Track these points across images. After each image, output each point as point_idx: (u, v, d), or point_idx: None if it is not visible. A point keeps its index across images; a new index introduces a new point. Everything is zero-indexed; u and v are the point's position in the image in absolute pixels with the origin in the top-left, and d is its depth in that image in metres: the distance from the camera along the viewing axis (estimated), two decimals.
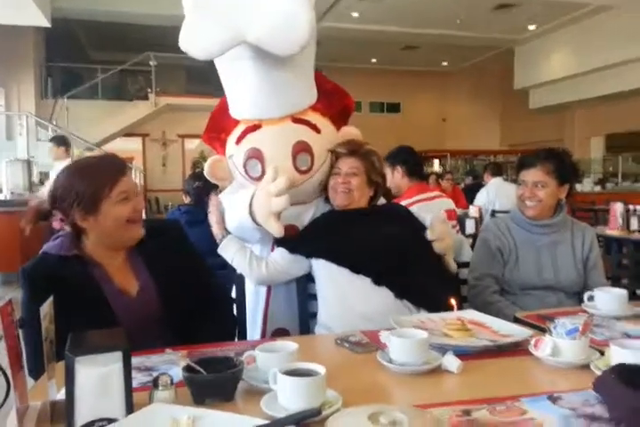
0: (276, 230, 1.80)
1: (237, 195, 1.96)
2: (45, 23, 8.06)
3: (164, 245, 1.52)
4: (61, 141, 6.10)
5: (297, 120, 1.93)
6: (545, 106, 12.24)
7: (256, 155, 1.91)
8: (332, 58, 14.06)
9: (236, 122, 2.00)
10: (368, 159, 1.94)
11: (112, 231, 1.43)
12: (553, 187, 1.98)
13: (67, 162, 6.25)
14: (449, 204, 3.21)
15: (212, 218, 1.99)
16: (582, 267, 2.01)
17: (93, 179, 1.40)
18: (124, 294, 1.46)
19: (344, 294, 1.79)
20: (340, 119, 2.09)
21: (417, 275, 1.78)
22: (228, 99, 2.01)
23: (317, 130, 1.96)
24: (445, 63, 15.38)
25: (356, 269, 1.78)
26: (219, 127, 2.07)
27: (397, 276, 1.76)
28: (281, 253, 1.91)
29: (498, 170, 6.28)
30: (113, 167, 1.44)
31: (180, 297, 1.48)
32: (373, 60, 14.92)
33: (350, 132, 2.08)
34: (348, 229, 1.86)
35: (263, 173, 1.89)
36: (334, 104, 2.08)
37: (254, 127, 1.93)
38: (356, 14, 10.28)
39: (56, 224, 1.45)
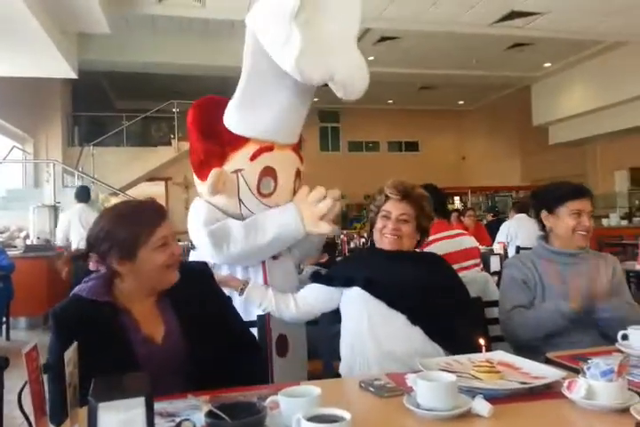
0: (329, 229, 2.09)
1: (264, 215, 2.10)
2: (73, 75, 8.39)
3: (192, 288, 1.52)
4: (77, 194, 6.45)
5: (294, 150, 2.23)
6: (565, 141, 12.21)
7: (271, 173, 2.10)
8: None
9: (243, 139, 2.08)
10: (419, 204, 1.89)
11: (149, 276, 1.43)
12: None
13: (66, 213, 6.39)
14: (471, 241, 3.18)
15: (223, 276, 2.01)
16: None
17: (132, 225, 1.40)
18: (150, 341, 1.44)
19: (374, 329, 1.74)
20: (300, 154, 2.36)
21: (452, 320, 1.73)
22: (241, 115, 2.08)
23: (302, 161, 2.28)
24: (462, 102, 15.56)
25: (392, 303, 1.75)
26: (222, 141, 2.10)
27: (432, 318, 1.72)
28: (311, 289, 1.90)
29: (524, 207, 6.33)
30: (152, 213, 1.45)
31: (207, 342, 1.46)
32: (390, 101, 15.15)
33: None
34: (389, 265, 1.84)
35: (274, 189, 2.11)
36: (297, 147, 2.33)
37: (268, 148, 2.09)
38: (371, 58, 10.51)
39: (92, 266, 1.46)
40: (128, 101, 13.80)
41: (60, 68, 7.84)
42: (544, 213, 2.08)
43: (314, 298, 1.90)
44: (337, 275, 1.90)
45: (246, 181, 2.08)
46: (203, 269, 1.66)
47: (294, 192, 2.20)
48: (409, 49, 9.93)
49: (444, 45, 9.72)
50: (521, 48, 10.03)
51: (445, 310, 1.74)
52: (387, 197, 1.90)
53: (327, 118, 16.32)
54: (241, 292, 1.94)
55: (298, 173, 2.22)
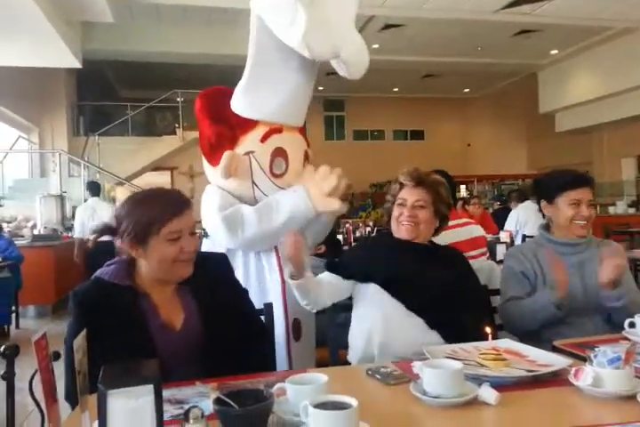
0: (337, 205, 2.12)
1: (275, 198, 2.11)
2: (77, 64, 8.38)
3: (211, 278, 1.52)
4: (89, 187, 7.03)
5: (302, 132, 2.28)
6: (572, 129, 12.12)
7: (282, 154, 2.13)
8: (354, 88, 14.26)
9: (252, 122, 2.11)
10: (435, 190, 1.86)
11: (158, 267, 1.43)
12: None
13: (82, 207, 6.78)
14: (478, 230, 3.16)
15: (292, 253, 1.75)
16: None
17: (147, 213, 1.40)
18: (168, 327, 1.45)
19: (387, 329, 1.71)
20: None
21: (469, 324, 1.70)
22: (250, 98, 2.11)
23: (309, 144, 2.32)
24: (467, 90, 15.45)
25: (411, 306, 1.71)
26: (231, 124, 2.12)
27: (452, 323, 1.68)
28: (326, 279, 1.86)
29: (523, 195, 6.27)
30: (171, 204, 1.42)
31: (224, 330, 1.47)
32: (395, 89, 15.07)
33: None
34: (408, 263, 1.79)
35: (286, 170, 2.14)
36: (303, 130, 2.38)
37: (278, 130, 2.13)
38: (376, 46, 10.43)
39: (119, 243, 1.46)
40: (132, 91, 13.77)
41: (65, 57, 7.83)
42: (543, 203, 2.06)
43: (329, 289, 1.84)
44: (353, 267, 1.85)
45: (259, 163, 2.10)
46: (220, 259, 1.67)
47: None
48: (413, 36, 9.85)
49: (449, 32, 9.63)
50: (527, 35, 9.91)
51: (464, 313, 1.71)
52: (401, 185, 1.89)
53: (332, 107, 16.26)
54: (295, 277, 1.78)
55: (306, 156, 2.25)
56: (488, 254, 3.21)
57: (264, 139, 2.11)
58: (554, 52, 11.13)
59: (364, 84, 13.67)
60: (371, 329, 1.74)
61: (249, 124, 2.12)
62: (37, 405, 1.31)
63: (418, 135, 16.80)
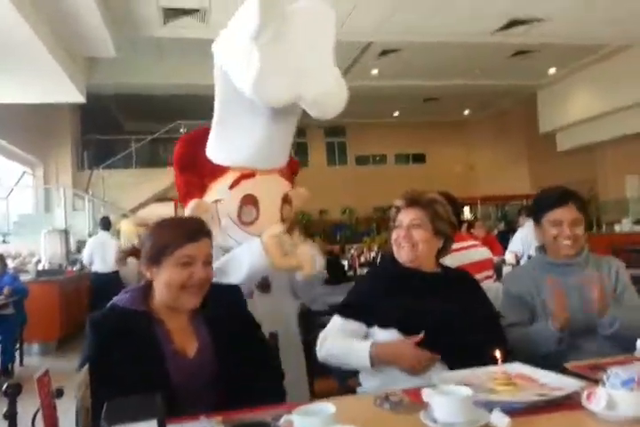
0: (293, 264, 2.02)
1: (237, 252, 2.04)
2: (81, 99, 8.50)
3: (224, 308, 1.54)
4: (100, 222, 7.41)
5: (282, 174, 2.18)
6: (574, 147, 12.15)
7: (251, 201, 2.06)
8: (354, 114, 14.36)
9: (222, 168, 2.08)
10: (431, 208, 1.81)
11: (165, 292, 1.46)
12: (583, 224, 1.94)
13: (92, 239, 7.15)
14: (484, 253, 3.13)
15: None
16: (614, 301, 1.91)
17: (164, 235, 1.47)
18: (182, 355, 1.46)
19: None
20: (292, 178, 2.34)
21: (479, 352, 1.62)
22: (219, 145, 2.09)
23: (292, 185, 2.23)
24: (467, 112, 15.58)
25: (430, 346, 1.62)
26: (201, 172, 2.11)
27: (471, 358, 1.57)
28: (343, 326, 1.75)
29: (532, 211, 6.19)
30: (186, 231, 1.47)
31: (236, 361, 1.48)
32: (395, 114, 15.22)
33: (301, 191, 2.30)
34: (423, 296, 1.72)
35: (257, 217, 2.06)
36: (291, 165, 2.31)
37: (249, 175, 2.06)
38: (375, 71, 10.59)
39: (139, 267, 1.52)
40: (136, 123, 13.96)
41: (69, 92, 7.94)
42: (534, 224, 2.04)
43: (347, 335, 1.73)
44: (365, 309, 1.74)
45: (228, 210, 2.06)
46: (234, 291, 1.67)
47: (282, 219, 2.14)
48: (411, 60, 9.98)
49: (447, 55, 9.75)
50: (525, 55, 10.03)
51: (477, 349, 1.59)
52: (397, 209, 1.86)
53: (333, 133, 16.41)
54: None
55: (285, 199, 2.16)
56: (495, 277, 3.18)
57: (233, 186, 2.07)
58: (552, 71, 11.23)
59: (365, 110, 13.81)
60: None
61: (219, 172, 2.09)
62: None
63: (420, 159, 16.90)
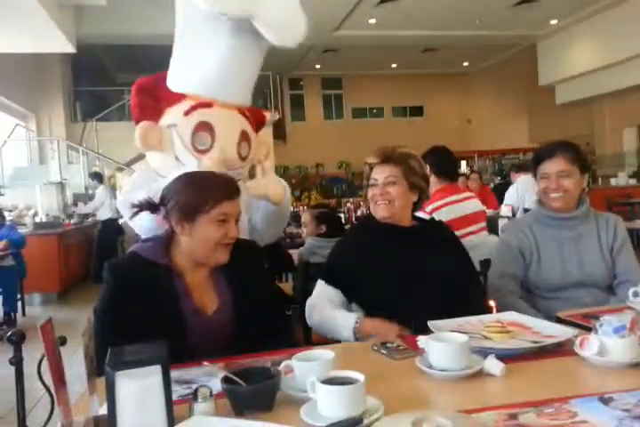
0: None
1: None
2: (72, 50, 8.27)
3: (245, 264, 1.54)
4: (95, 176, 7.92)
5: (242, 113, 2.11)
6: (573, 100, 12.00)
7: (206, 129, 1.98)
8: (351, 65, 14.11)
9: (180, 95, 2.03)
10: (405, 163, 1.80)
11: (200, 248, 1.45)
12: (577, 176, 1.93)
13: (99, 189, 7.63)
14: (477, 205, 3.17)
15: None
16: (610, 258, 1.94)
17: (200, 191, 1.44)
18: (201, 311, 1.46)
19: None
20: (255, 129, 2.22)
21: (469, 298, 1.69)
22: (177, 71, 2.06)
23: (254, 128, 2.15)
24: (466, 63, 15.27)
25: (412, 293, 1.67)
26: (158, 96, 2.05)
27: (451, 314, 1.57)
28: (330, 292, 1.78)
29: (522, 168, 6.28)
30: (223, 188, 1.46)
31: (254, 317, 1.49)
32: (394, 65, 14.90)
33: (262, 140, 2.22)
34: (403, 254, 1.74)
35: (211, 146, 1.98)
36: (258, 114, 2.26)
37: (207, 104, 2.01)
38: (373, 21, 10.29)
39: (159, 220, 1.50)
40: (129, 75, 13.58)
41: (59, 42, 7.72)
42: (533, 178, 2.05)
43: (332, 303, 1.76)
44: (345, 276, 1.76)
45: (181, 136, 1.99)
46: (255, 247, 1.67)
47: (239, 156, 2.05)
48: (411, 10, 9.70)
49: (447, 5, 9.48)
50: (527, 5, 9.75)
51: (450, 310, 1.60)
52: (370, 166, 1.84)
53: (330, 85, 16.12)
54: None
55: (244, 136, 2.07)
56: (487, 230, 3.22)
57: (188, 112, 1.99)
58: (553, 22, 10.96)
59: (362, 61, 13.54)
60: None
61: (176, 97, 2.03)
62: (47, 389, 1.33)
63: (417, 112, 16.68)
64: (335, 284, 1.78)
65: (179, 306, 1.43)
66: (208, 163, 1.92)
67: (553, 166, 1.93)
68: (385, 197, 1.78)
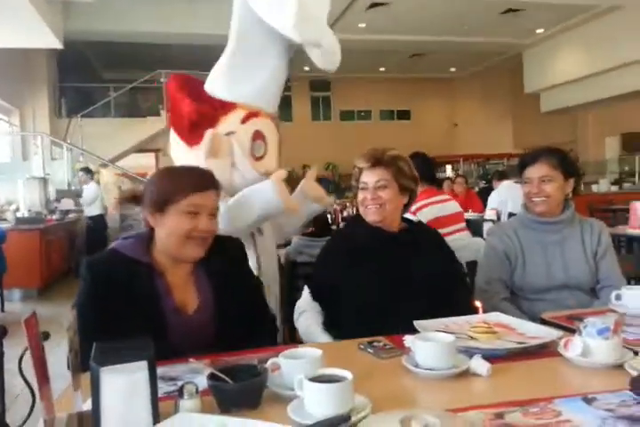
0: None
1: (246, 194, 2.02)
2: (58, 45, 8.20)
3: (227, 262, 1.52)
4: (87, 171, 7.89)
5: (273, 120, 2.26)
6: (557, 108, 12.16)
7: (262, 137, 2.13)
8: (340, 68, 14.06)
9: (232, 103, 2.10)
10: (395, 166, 1.79)
11: (170, 241, 1.42)
12: (560, 181, 1.94)
13: (91, 185, 7.58)
14: (456, 206, 3.31)
15: None
16: (594, 262, 1.97)
17: (172, 182, 1.44)
18: (181, 311, 1.44)
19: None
20: None
21: (454, 299, 1.68)
22: (228, 80, 2.11)
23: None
24: (453, 69, 15.40)
25: (400, 297, 1.67)
26: (212, 103, 2.10)
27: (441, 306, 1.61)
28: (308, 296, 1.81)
29: (504, 175, 6.58)
30: (195, 180, 1.44)
31: (237, 316, 1.47)
32: (382, 69, 14.98)
33: None
34: (393, 259, 1.74)
35: (265, 154, 2.14)
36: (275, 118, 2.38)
37: (256, 114, 2.12)
38: (362, 25, 10.33)
39: (142, 215, 1.50)
40: (114, 72, 13.53)
41: (45, 38, 7.67)
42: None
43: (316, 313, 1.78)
44: (328, 290, 1.75)
45: (241, 143, 2.08)
46: (237, 244, 1.64)
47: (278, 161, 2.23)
48: (400, 15, 9.76)
49: (436, 11, 9.55)
50: (514, 13, 9.86)
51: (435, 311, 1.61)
52: (360, 169, 1.82)
53: (318, 87, 16.14)
54: None
55: (280, 144, 2.26)
56: (467, 231, 3.33)
57: (245, 120, 2.08)
58: (539, 31, 11.11)
59: (351, 64, 13.52)
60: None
61: (229, 106, 2.09)
62: (28, 385, 1.30)
63: (404, 115, 16.77)
64: (319, 299, 1.78)
65: (159, 305, 1.40)
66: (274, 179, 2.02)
67: (535, 171, 1.95)
68: (376, 201, 1.76)
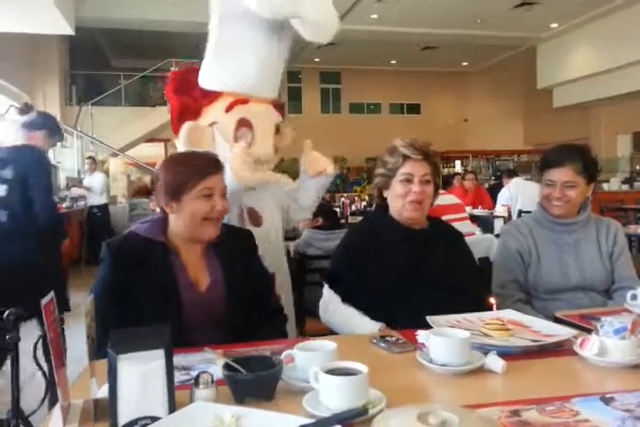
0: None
1: None
2: (70, 31, 8.18)
3: (239, 249, 1.59)
4: (93, 160, 8.11)
5: (276, 106, 2.20)
6: (570, 104, 12.05)
7: (247, 125, 2.07)
8: (351, 60, 14.06)
9: (216, 93, 2.09)
10: (435, 162, 1.74)
11: (188, 224, 1.49)
12: (582, 186, 1.91)
13: (97, 174, 7.81)
14: (454, 199, 3.51)
15: None
16: (610, 263, 1.95)
17: (182, 170, 1.49)
18: (195, 287, 1.50)
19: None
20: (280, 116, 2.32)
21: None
22: (212, 70, 2.11)
23: (283, 119, 2.25)
24: (465, 63, 15.28)
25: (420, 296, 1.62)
26: (195, 95, 2.10)
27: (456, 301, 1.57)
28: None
29: (514, 173, 6.80)
30: (204, 164, 1.50)
31: (245, 299, 1.53)
32: (393, 62, 14.88)
33: (287, 131, 2.30)
34: (412, 254, 1.70)
35: (252, 141, 2.06)
36: (281, 104, 2.33)
37: (243, 101, 2.07)
38: (374, 16, 10.25)
39: (152, 205, 1.58)
40: (125, 60, 13.52)
41: (57, 23, 7.64)
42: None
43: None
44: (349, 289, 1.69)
45: (224, 133, 2.06)
46: (248, 235, 1.69)
47: (275, 149, 2.16)
48: (412, 7, 9.68)
49: (449, 3, 9.47)
50: (528, 7, 9.76)
51: (470, 291, 1.66)
52: (405, 158, 1.71)
53: (328, 79, 16.07)
54: None
55: (277, 129, 2.18)
56: (470, 221, 3.61)
57: (228, 109, 2.06)
58: (554, 25, 10.99)
59: (362, 56, 13.50)
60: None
61: (213, 96, 2.09)
62: (42, 371, 1.32)
63: (414, 109, 16.68)
64: (339, 291, 1.71)
65: (174, 280, 1.48)
66: (236, 150, 1.99)
67: (560, 176, 1.90)
68: (421, 197, 1.69)
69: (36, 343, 1.25)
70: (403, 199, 1.72)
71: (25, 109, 3.03)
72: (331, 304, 1.71)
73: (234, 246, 1.58)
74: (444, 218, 2.21)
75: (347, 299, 1.68)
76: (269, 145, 2.13)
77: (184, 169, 1.49)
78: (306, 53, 13.05)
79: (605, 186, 9.74)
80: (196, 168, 1.48)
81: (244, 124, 2.06)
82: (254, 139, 2.08)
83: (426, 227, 1.80)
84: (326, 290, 1.77)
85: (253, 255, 1.68)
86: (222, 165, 1.54)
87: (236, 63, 2.07)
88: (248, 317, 1.51)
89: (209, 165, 1.51)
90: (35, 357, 1.24)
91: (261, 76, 2.10)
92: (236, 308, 1.51)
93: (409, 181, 1.71)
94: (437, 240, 1.77)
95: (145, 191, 1.60)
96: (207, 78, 2.11)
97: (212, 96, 2.08)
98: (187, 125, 2.02)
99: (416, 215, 1.73)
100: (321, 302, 1.77)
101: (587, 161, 1.92)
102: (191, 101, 2.09)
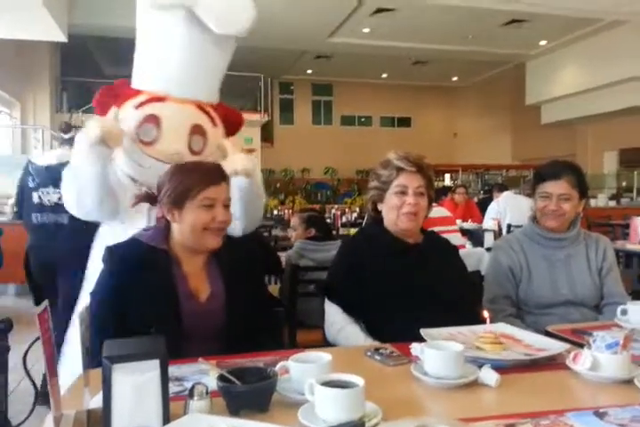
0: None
1: None
2: (63, 39, 8.15)
3: (240, 259, 1.58)
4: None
5: (200, 108, 2.11)
6: (557, 120, 12.21)
7: (153, 121, 2.01)
8: (342, 73, 14.16)
9: (137, 91, 2.08)
10: (429, 174, 1.75)
11: (189, 234, 1.49)
12: (576, 200, 1.94)
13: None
14: (445, 211, 3.56)
15: None
16: (599, 278, 1.97)
17: (185, 178, 1.49)
18: (195, 297, 1.50)
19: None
20: (230, 130, 2.25)
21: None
22: (136, 69, 2.13)
23: (214, 123, 2.13)
24: (456, 78, 15.46)
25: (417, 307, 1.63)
26: (115, 94, 2.10)
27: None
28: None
29: (504, 187, 6.98)
30: (208, 174, 1.50)
31: (245, 310, 1.52)
32: (384, 75, 15.02)
33: (227, 143, 2.19)
34: (407, 268, 1.70)
35: (156, 138, 2.00)
36: (232, 114, 2.28)
37: (159, 99, 2.05)
38: (367, 30, 10.36)
39: (158, 212, 1.57)
40: (117, 68, 13.44)
41: (50, 31, 7.61)
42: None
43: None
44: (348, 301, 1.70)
45: (127, 128, 2.00)
46: (251, 244, 1.73)
47: (190, 149, 2.04)
48: (404, 22, 9.79)
49: (441, 19, 9.59)
50: (518, 24, 9.92)
51: (464, 305, 1.67)
52: (399, 171, 1.71)
53: (320, 91, 16.17)
54: None
55: (196, 130, 2.06)
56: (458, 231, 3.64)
57: (139, 106, 2.04)
58: (543, 42, 11.16)
59: (354, 69, 13.60)
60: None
61: (132, 93, 2.09)
62: (32, 381, 1.30)
63: (405, 122, 16.82)
64: (338, 301, 1.71)
65: (175, 290, 1.47)
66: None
67: (557, 188, 1.92)
68: (415, 209, 1.70)
69: (26, 352, 1.23)
70: (397, 211, 1.72)
71: (67, 128, 3.46)
72: (334, 325, 1.69)
73: (235, 257, 1.57)
74: (434, 230, 2.22)
75: (346, 310, 1.69)
76: (181, 143, 2.03)
77: (187, 178, 1.49)
78: (298, 65, 13.15)
79: (593, 202, 9.85)
80: (200, 177, 1.48)
81: (149, 120, 2.01)
82: (160, 136, 2.02)
83: (420, 241, 1.80)
84: (327, 306, 1.74)
85: (255, 267, 1.68)
86: (226, 175, 1.54)
87: (153, 63, 2.09)
88: (247, 328, 1.51)
89: (213, 174, 1.51)
90: (25, 366, 1.22)
91: (180, 75, 2.08)
92: (234, 319, 1.50)
93: (403, 193, 1.71)
94: (432, 253, 1.78)
95: (149, 199, 1.59)
96: (133, 78, 2.15)
97: (130, 94, 2.08)
98: (89, 121, 1.94)
99: (411, 226, 1.73)
100: (326, 324, 1.74)
101: (580, 176, 1.96)
102: (110, 99, 2.08)
